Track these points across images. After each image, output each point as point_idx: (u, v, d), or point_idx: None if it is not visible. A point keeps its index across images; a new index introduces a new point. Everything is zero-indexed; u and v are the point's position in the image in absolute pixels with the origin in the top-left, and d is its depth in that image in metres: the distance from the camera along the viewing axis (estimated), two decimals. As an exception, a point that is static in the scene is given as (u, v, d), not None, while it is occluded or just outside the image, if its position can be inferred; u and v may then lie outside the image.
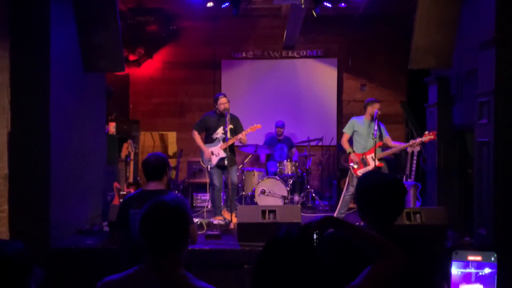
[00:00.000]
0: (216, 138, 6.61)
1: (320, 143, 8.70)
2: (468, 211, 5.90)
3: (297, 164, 8.04)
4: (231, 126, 6.55)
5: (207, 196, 7.69)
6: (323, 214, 7.26)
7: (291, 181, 7.79)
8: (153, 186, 3.72)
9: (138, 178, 8.00)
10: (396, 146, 6.49)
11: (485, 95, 5.20)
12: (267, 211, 5.28)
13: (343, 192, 6.67)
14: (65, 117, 5.65)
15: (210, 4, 6.99)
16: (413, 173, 6.87)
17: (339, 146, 8.23)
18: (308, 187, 8.20)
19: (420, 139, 6.29)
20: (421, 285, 2.10)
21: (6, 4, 5.13)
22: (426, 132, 6.31)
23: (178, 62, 9.81)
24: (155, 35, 9.45)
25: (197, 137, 6.66)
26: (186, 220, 2.01)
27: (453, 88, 6.64)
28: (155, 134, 9.64)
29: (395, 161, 8.22)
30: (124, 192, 6.45)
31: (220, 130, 6.60)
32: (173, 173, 8.73)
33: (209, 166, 6.61)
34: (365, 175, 2.39)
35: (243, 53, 9.72)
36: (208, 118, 6.71)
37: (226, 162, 6.37)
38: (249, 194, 7.66)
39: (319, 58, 9.68)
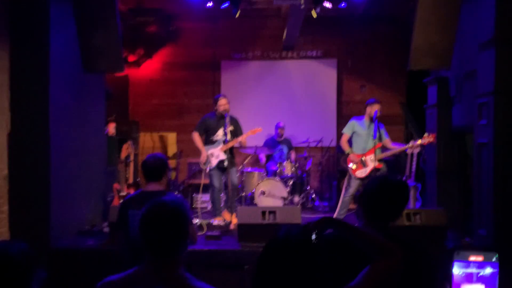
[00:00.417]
0: (216, 140, 6.60)
1: (320, 144, 8.71)
2: (468, 212, 5.90)
3: (297, 165, 8.04)
4: (231, 128, 6.54)
5: (207, 197, 7.68)
6: (323, 215, 7.26)
7: (291, 182, 7.80)
8: (153, 187, 3.72)
9: (138, 179, 8.00)
10: (395, 148, 6.48)
11: (484, 96, 5.20)
12: (267, 212, 5.28)
13: (342, 193, 6.66)
14: (64, 118, 5.64)
15: (209, 4, 6.98)
16: (412, 174, 6.87)
17: (338, 147, 8.22)
18: (308, 188, 8.20)
19: (419, 141, 6.27)
20: (420, 286, 2.11)
21: (6, 5, 5.13)
22: (426, 134, 6.30)
23: (177, 63, 9.81)
24: (155, 36, 9.46)
25: (197, 139, 6.65)
26: (186, 221, 2.01)
27: (452, 89, 6.64)
28: (155, 135, 9.65)
29: (395, 162, 8.22)
30: (124, 193, 6.45)
31: (220, 132, 6.59)
32: (172, 174, 8.73)
33: (208, 168, 6.60)
34: (373, 177, 2.42)
35: (243, 54, 9.73)
36: (207, 120, 6.70)
37: (225, 164, 6.36)
38: (249, 195, 7.66)
39: (318, 59, 9.69)
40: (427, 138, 6.20)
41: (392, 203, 2.29)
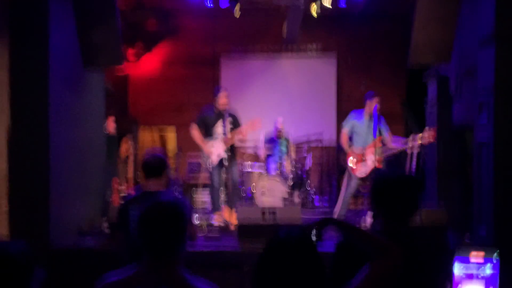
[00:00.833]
0: (215, 135, 6.58)
1: (319, 145, 8.70)
2: (469, 210, 5.89)
3: (296, 164, 8.03)
4: (230, 121, 6.51)
5: (206, 195, 7.67)
6: (323, 214, 7.27)
7: (291, 181, 7.78)
8: (153, 185, 3.70)
9: (138, 177, 8.00)
10: (395, 147, 6.43)
11: (484, 93, 5.19)
12: (267, 212, 5.28)
13: (342, 192, 6.63)
14: (64, 116, 5.63)
15: (210, 4, 6.98)
16: (412, 172, 6.86)
17: (338, 145, 8.21)
18: (308, 187, 8.19)
19: (420, 136, 6.23)
20: (423, 285, 2.11)
21: (5, 2, 5.11)
22: (426, 128, 6.26)
23: (177, 60, 9.80)
24: (154, 32, 9.45)
25: (196, 133, 6.61)
26: (184, 221, 2.02)
27: (452, 86, 6.63)
28: (154, 132, 9.64)
29: (395, 161, 8.20)
30: (124, 191, 6.45)
31: (219, 127, 6.56)
32: (172, 172, 8.72)
33: (209, 165, 6.58)
34: (381, 174, 2.40)
35: (243, 50, 9.71)
36: (206, 115, 6.67)
37: (226, 161, 6.35)
38: (249, 194, 7.66)
39: (318, 55, 9.68)
40: (428, 133, 6.15)
41: (406, 199, 2.26)
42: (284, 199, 7.28)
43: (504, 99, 4.96)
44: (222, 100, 6.50)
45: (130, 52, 9.39)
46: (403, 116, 9.25)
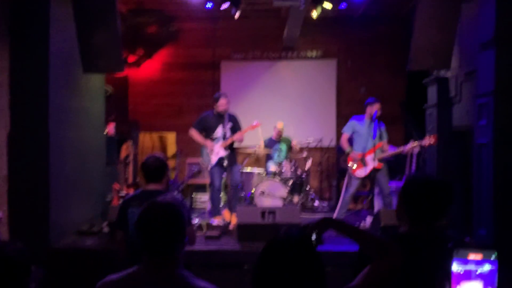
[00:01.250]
0: (216, 138, 6.58)
1: (319, 145, 8.69)
2: (468, 211, 5.89)
3: (296, 166, 8.03)
4: (230, 124, 6.52)
5: (206, 197, 7.67)
6: (322, 215, 7.25)
7: (291, 182, 7.78)
8: (153, 187, 3.72)
9: (137, 179, 8.00)
10: (393, 153, 6.44)
11: (484, 96, 5.19)
12: (266, 212, 5.28)
13: (342, 193, 6.65)
14: (64, 118, 5.64)
15: (209, 6, 6.98)
16: (412, 173, 6.86)
17: (338, 147, 8.21)
18: (308, 188, 8.19)
19: (416, 143, 6.23)
20: (422, 284, 2.11)
21: (6, 5, 5.13)
22: (427, 136, 6.28)
23: (177, 63, 9.81)
24: (155, 36, 9.46)
25: (196, 135, 6.63)
26: (182, 220, 2.01)
27: (452, 89, 6.63)
28: (154, 135, 9.64)
29: (395, 162, 8.21)
30: (124, 193, 6.44)
31: (219, 130, 6.57)
32: (172, 174, 8.72)
33: (209, 166, 6.58)
34: (414, 176, 2.39)
35: (243, 54, 9.73)
36: (206, 119, 6.68)
37: (225, 162, 6.35)
38: (249, 195, 7.65)
39: (318, 59, 9.70)
40: (428, 140, 6.17)
41: (437, 203, 2.25)
42: (284, 200, 7.28)
43: (504, 101, 4.96)
44: (222, 106, 6.50)
45: (131, 58, 9.41)
46: (403, 119, 9.25)
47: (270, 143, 8.51)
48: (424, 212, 2.26)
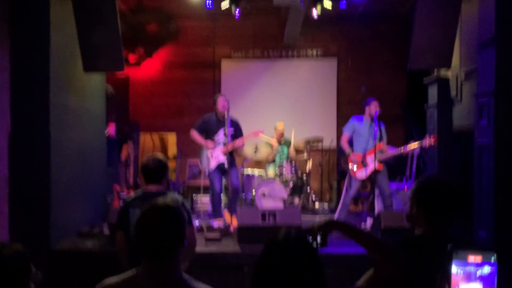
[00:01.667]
0: (217, 141, 6.57)
1: (320, 148, 8.68)
2: (469, 213, 5.88)
3: (297, 167, 8.02)
4: (232, 129, 6.51)
5: (207, 199, 7.66)
6: (323, 217, 7.23)
7: (291, 184, 7.77)
8: (153, 188, 3.71)
9: (138, 180, 7.99)
10: (393, 153, 6.42)
11: (485, 96, 5.18)
12: (267, 214, 5.28)
13: (343, 194, 6.63)
14: (65, 118, 5.64)
15: (209, 2, 6.97)
16: (412, 175, 6.85)
17: (339, 148, 8.20)
18: (308, 189, 8.18)
19: (419, 144, 6.21)
20: (422, 285, 2.10)
21: (6, 4, 5.13)
22: (427, 136, 6.26)
23: (177, 63, 9.81)
24: (155, 35, 9.47)
25: (197, 136, 6.62)
26: (181, 223, 2.00)
27: (453, 89, 6.62)
28: (155, 136, 9.64)
29: (395, 163, 8.20)
30: (124, 194, 6.44)
31: (220, 134, 6.55)
32: (172, 175, 8.72)
33: (207, 170, 6.58)
34: (427, 178, 2.36)
35: (243, 52, 9.72)
36: (208, 121, 6.67)
37: (225, 166, 6.35)
38: (249, 196, 7.65)
39: (319, 58, 9.69)
40: (428, 140, 6.15)
41: (456, 205, 2.24)
42: (284, 201, 7.27)
43: (504, 102, 4.95)
44: (221, 106, 6.49)
45: (131, 57, 9.41)
46: (404, 119, 9.24)
47: (271, 145, 8.48)
48: (443, 215, 2.23)
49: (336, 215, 6.59)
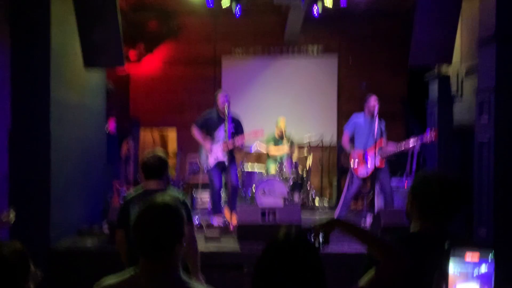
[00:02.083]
0: (216, 138, 6.56)
1: (320, 145, 8.68)
2: (468, 210, 5.88)
3: (297, 164, 8.01)
4: (233, 125, 6.50)
5: (207, 195, 7.66)
6: (323, 214, 7.20)
7: (291, 181, 7.76)
8: (153, 184, 3.70)
9: (138, 177, 7.99)
10: (394, 150, 6.40)
11: (485, 92, 5.17)
12: (267, 212, 5.27)
13: (344, 192, 6.62)
14: (65, 115, 5.64)
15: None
16: (413, 171, 6.84)
17: (339, 146, 8.19)
18: (308, 187, 8.17)
19: (420, 139, 6.19)
20: (420, 284, 2.10)
21: (6, 1, 5.12)
22: (428, 130, 6.24)
23: (178, 60, 9.79)
24: (155, 32, 9.46)
25: (197, 134, 6.61)
26: (179, 221, 1.96)
27: (453, 86, 6.61)
28: (155, 132, 9.64)
29: (396, 160, 8.19)
30: (124, 191, 6.44)
31: (221, 132, 6.54)
32: (172, 172, 8.72)
33: (206, 167, 6.57)
34: (422, 174, 2.32)
35: (244, 49, 9.71)
36: (209, 117, 6.65)
37: (225, 164, 6.36)
38: (249, 194, 7.65)
39: (319, 55, 9.68)
40: (429, 135, 6.12)
41: (454, 202, 2.18)
42: (284, 199, 7.27)
43: (505, 99, 4.95)
44: (220, 102, 6.48)
45: (132, 53, 9.40)
46: (404, 115, 9.24)
47: (274, 141, 8.47)
48: (439, 212, 2.18)
49: (336, 213, 6.59)
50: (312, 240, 1.94)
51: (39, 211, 5.15)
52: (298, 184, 7.95)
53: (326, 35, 9.61)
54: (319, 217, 7.32)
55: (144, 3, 8.97)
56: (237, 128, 6.59)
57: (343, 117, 9.17)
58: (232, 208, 6.48)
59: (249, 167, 8.11)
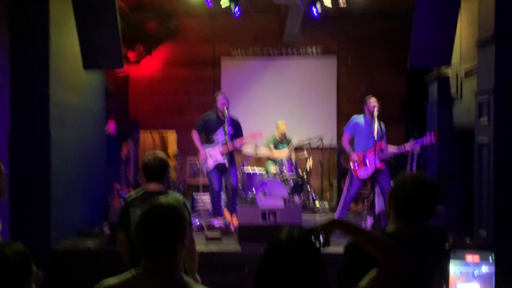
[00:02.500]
0: (216, 140, 6.57)
1: (320, 147, 8.67)
2: (469, 212, 5.89)
3: (297, 165, 8.01)
4: (232, 128, 6.51)
5: (207, 197, 7.67)
6: (323, 215, 7.19)
7: (292, 182, 7.76)
8: (154, 186, 3.70)
9: (138, 178, 7.99)
10: (394, 152, 6.40)
11: (484, 94, 5.18)
12: (267, 213, 5.28)
13: (344, 193, 6.61)
14: (65, 117, 5.64)
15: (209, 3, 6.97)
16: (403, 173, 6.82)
17: (339, 147, 8.19)
18: (309, 188, 8.17)
19: (420, 142, 6.19)
20: (420, 285, 2.11)
21: (5, 2, 5.12)
22: (427, 133, 6.24)
23: (177, 61, 9.79)
24: (155, 33, 9.46)
25: (196, 138, 6.62)
26: (183, 223, 1.97)
27: (453, 87, 6.62)
28: (155, 134, 9.63)
29: (396, 162, 8.19)
30: (124, 193, 6.44)
31: (220, 132, 6.54)
32: (173, 174, 8.72)
33: (205, 170, 6.58)
34: (401, 176, 2.36)
35: (243, 50, 9.71)
36: (208, 119, 6.66)
37: (226, 165, 6.36)
38: (249, 195, 7.64)
39: (318, 56, 9.68)
40: (429, 138, 6.12)
41: (425, 203, 2.23)
42: (285, 200, 7.27)
43: (504, 101, 4.95)
44: (220, 103, 6.49)
45: (131, 54, 9.41)
46: (404, 117, 9.23)
47: (274, 143, 8.47)
48: (413, 213, 2.23)
49: (336, 214, 6.58)
50: (313, 241, 1.95)
51: (39, 212, 5.15)
52: (299, 186, 7.94)
53: (326, 36, 9.61)
54: (319, 218, 7.32)
55: (143, 4, 8.97)
56: (236, 130, 6.59)
57: (342, 118, 9.16)
58: (232, 209, 6.48)
59: (249, 168, 8.10)
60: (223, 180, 6.76)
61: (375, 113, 6.17)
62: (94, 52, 5.61)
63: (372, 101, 6.32)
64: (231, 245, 5.37)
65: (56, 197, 5.30)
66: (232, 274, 4.90)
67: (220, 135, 6.52)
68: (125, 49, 7.86)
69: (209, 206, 7.35)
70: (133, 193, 3.86)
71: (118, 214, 3.79)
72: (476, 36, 5.48)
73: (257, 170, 8.05)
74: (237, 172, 6.99)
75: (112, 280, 1.95)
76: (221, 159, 6.45)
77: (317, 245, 1.94)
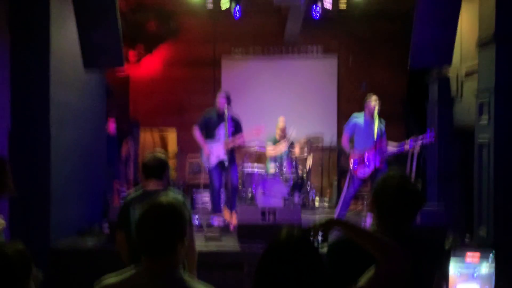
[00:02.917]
0: (217, 137, 6.58)
1: (320, 146, 8.67)
2: (469, 211, 5.89)
3: (297, 164, 8.01)
4: (233, 124, 6.52)
5: (207, 196, 7.67)
6: (323, 215, 7.21)
7: (291, 181, 7.76)
8: (153, 185, 3.70)
9: (138, 178, 7.99)
10: (394, 150, 6.40)
11: (485, 93, 5.18)
12: (267, 212, 5.28)
13: (343, 193, 6.62)
14: (65, 116, 5.64)
15: (210, 5, 6.98)
16: (413, 173, 6.84)
17: (339, 145, 8.19)
18: (308, 187, 8.17)
19: (420, 140, 6.19)
20: (419, 285, 2.10)
21: (6, 1, 5.12)
22: (427, 131, 6.25)
23: (177, 61, 9.80)
24: (155, 33, 9.46)
25: (198, 135, 6.63)
26: (182, 222, 1.97)
27: (453, 87, 6.62)
28: (155, 133, 9.64)
29: (395, 161, 8.19)
30: (124, 192, 6.44)
31: (221, 131, 6.55)
32: (173, 173, 8.72)
33: (207, 167, 6.59)
34: (385, 176, 2.34)
35: (243, 50, 9.71)
36: (209, 116, 6.68)
37: (225, 164, 6.36)
38: (249, 194, 7.64)
39: (319, 55, 9.68)
40: (429, 137, 6.13)
41: (409, 212, 2.21)
42: (284, 199, 7.27)
43: (504, 100, 4.95)
44: (218, 100, 6.50)
45: (131, 54, 9.41)
46: (404, 116, 9.23)
47: (273, 142, 8.47)
48: (393, 215, 2.20)
49: (336, 213, 6.59)
50: (311, 239, 1.95)
51: (39, 211, 5.15)
52: (298, 184, 7.95)
53: (326, 35, 9.61)
54: (319, 217, 7.32)
55: (144, 3, 8.97)
56: (236, 127, 6.61)
57: (343, 117, 9.16)
58: (232, 208, 6.49)
59: (249, 167, 8.10)
60: (223, 178, 6.78)
61: (375, 112, 6.17)
62: (94, 51, 5.60)
63: (372, 101, 6.31)
64: (230, 244, 5.37)
65: (55, 196, 5.30)
66: (231, 274, 4.90)
67: (221, 132, 6.54)
68: (125, 48, 7.86)
69: (209, 205, 7.36)
70: (132, 192, 3.86)
71: (117, 213, 3.80)
72: (476, 36, 5.48)
73: (257, 169, 8.05)
74: (237, 170, 7.00)
75: (113, 278, 1.95)
76: (222, 155, 6.46)
77: (316, 244, 1.94)
